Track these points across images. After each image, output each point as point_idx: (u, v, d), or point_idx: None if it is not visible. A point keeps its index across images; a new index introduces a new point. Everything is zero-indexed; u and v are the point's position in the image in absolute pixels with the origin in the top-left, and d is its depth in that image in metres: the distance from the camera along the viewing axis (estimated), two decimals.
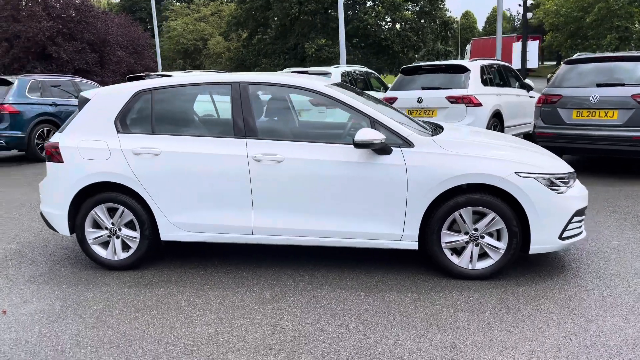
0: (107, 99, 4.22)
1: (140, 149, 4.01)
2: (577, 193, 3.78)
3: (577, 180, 3.99)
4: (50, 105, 10.47)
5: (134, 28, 36.10)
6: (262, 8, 37.85)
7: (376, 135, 3.63)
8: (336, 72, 9.54)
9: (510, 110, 8.85)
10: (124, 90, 4.21)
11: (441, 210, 3.72)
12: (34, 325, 3.31)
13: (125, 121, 4.15)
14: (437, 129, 4.36)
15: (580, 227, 3.85)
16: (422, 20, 38.44)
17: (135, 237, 4.12)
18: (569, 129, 7.21)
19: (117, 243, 4.17)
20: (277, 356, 2.86)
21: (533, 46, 34.28)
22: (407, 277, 3.85)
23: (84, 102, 4.28)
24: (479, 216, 3.72)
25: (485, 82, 8.47)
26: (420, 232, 3.79)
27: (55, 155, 4.17)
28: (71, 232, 4.22)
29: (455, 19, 51.42)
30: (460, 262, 3.79)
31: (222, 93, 4.06)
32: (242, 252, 4.46)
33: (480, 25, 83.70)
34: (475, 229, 3.74)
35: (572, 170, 3.92)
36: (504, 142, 4.19)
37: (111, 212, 4.14)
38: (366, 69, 11.10)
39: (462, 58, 47.08)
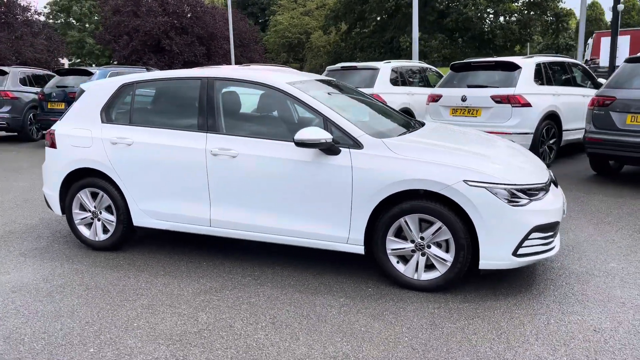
0: (98, 91, 4.52)
1: (116, 138, 4.26)
2: (543, 207, 3.42)
3: (555, 192, 3.62)
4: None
5: (242, 22, 37.85)
6: (360, 2, 37.80)
7: (318, 135, 3.54)
8: (386, 67, 9.33)
9: (570, 113, 8.10)
10: (112, 83, 4.49)
11: (386, 215, 3.55)
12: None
13: (109, 112, 4.43)
14: (413, 127, 4.22)
15: (547, 243, 3.49)
16: (531, 13, 36.11)
17: (112, 221, 4.40)
18: (620, 135, 6.47)
19: (99, 225, 4.48)
20: (169, 347, 2.93)
21: None
22: (354, 282, 3.74)
23: (80, 93, 4.63)
24: (428, 224, 3.51)
25: (540, 81, 7.88)
26: (366, 236, 3.66)
27: (52, 141, 4.56)
28: (62, 213, 4.60)
29: (572, 12, 47.58)
30: (406, 271, 3.60)
31: (194, 87, 4.19)
32: (219, 243, 4.58)
33: (608, 16, 77.27)
34: (422, 238, 3.53)
35: (543, 181, 3.55)
36: (482, 149, 3.88)
37: (94, 196, 4.46)
38: (424, 65, 10.73)
39: (584, 53, 43.91)
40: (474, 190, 3.34)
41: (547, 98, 7.81)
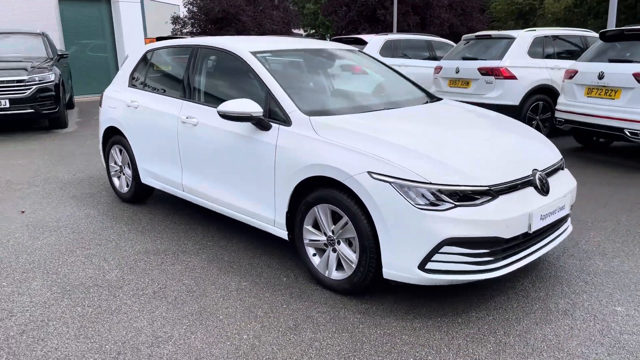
0: (132, 57, 4.96)
1: (130, 101, 4.65)
2: (470, 216, 2.69)
3: (503, 200, 2.83)
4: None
5: None
6: None
7: (242, 108, 3.34)
8: (526, 36, 7.99)
9: None
10: (142, 50, 4.87)
11: (303, 202, 3.22)
12: (21, 230, 4.41)
13: (133, 77, 4.83)
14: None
15: (480, 262, 2.75)
16: None
17: (130, 177, 4.85)
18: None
19: (123, 179, 4.99)
20: (42, 279, 3.19)
21: None
22: (278, 269, 3.50)
23: (125, 59, 5.14)
24: (339, 218, 3.07)
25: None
26: (290, 222, 3.37)
27: (100, 102, 5.19)
28: (106, 163, 5.23)
29: None
30: (319, 265, 3.23)
31: (186, 56, 4.29)
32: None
33: None
34: (333, 232, 3.11)
35: (488, 184, 2.79)
36: (448, 137, 3.19)
37: (121, 152, 4.96)
38: (583, 32, 8.83)
39: None
40: (377, 185, 2.80)
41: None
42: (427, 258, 2.73)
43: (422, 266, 2.75)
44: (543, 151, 3.37)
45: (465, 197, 2.75)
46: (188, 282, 3.33)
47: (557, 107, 7.01)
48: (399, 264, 2.79)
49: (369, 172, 2.83)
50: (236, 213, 3.72)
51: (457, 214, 2.70)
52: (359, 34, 31.37)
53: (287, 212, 3.33)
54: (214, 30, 25.47)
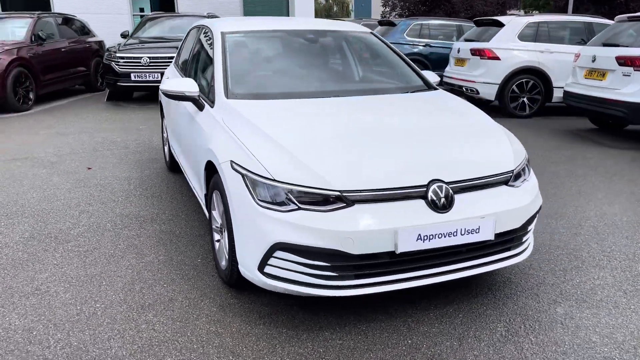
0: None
1: (171, 75, 5.03)
2: (302, 221, 2.37)
3: (359, 209, 2.40)
4: (424, 46, 11.48)
5: None
6: None
7: (177, 87, 3.42)
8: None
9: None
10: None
11: (209, 186, 3.17)
12: (57, 185, 5.19)
13: (179, 52, 5.21)
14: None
15: (316, 276, 2.42)
16: None
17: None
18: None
19: (166, 149, 5.46)
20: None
21: None
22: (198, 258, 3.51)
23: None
24: None
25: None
26: (207, 204, 3.35)
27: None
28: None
29: None
30: (217, 252, 3.15)
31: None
32: None
33: None
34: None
35: (340, 189, 2.40)
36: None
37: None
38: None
39: None
40: (234, 176, 2.64)
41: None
42: (264, 261, 2.49)
43: (261, 268, 2.52)
44: (474, 161, 2.72)
45: (315, 201, 2.42)
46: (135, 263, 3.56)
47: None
48: (246, 262, 2.60)
49: (231, 162, 2.68)
50: (195, 190, 3.82)
51: (295, 218, 2.39)
52: (583, 13, 27.78)
53: (205, 195, 3.32)
54: (422, 13, 25.36)
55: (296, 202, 2.41)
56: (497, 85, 8.63)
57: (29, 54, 9.49)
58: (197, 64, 4.14)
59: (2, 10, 15.20)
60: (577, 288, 3.03)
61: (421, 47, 11.45)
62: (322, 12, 61.98)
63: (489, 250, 2.66)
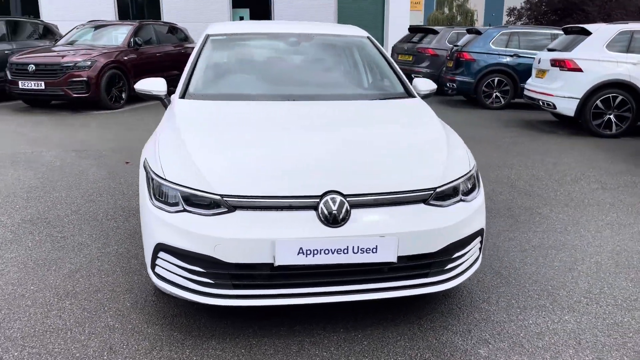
0: None
1: None
2: (180, 222, 2.33)
3: (240, 215, 2.30)
4: (511, 56, 10.73)
5: None
6: None
7: (146, 86, 3.53)
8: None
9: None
10: None
11: None
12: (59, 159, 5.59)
13: None
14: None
15: (196, 282, 2.35)
16: None
17: None
18: None
19: None
20: None
21: None
22: None
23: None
24: None
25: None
26: None
27: None
28: None
29: None
30: None
31: None
32: None
33: None
34: None
35: (221, 193, 2.31)
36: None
37: None
38: None
39: None
40: (143, 174, 2.69)
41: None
42: (153, 261, 2.48)
43: (152, 268, 2.52)
44: (388, 176, 2.47)
45: (200, 204, 2.36)
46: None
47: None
48: (145, 260, 2.61)
49: (145, 160, 2.72)
50: None
51: (177, 220, 2.35)
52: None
53: None
54: (551, 22, 23.97)
55: (184, 204, 2.38)
56: (578, 100, 7.80)
57: (124, 57, 10.40)
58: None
59: (120, 19, 16.86)
60: (523, 330, 2.62)
61: (508, 58, 10.71)
62: (444, 21, 60.51)
63: (394, 274, 2.40)
